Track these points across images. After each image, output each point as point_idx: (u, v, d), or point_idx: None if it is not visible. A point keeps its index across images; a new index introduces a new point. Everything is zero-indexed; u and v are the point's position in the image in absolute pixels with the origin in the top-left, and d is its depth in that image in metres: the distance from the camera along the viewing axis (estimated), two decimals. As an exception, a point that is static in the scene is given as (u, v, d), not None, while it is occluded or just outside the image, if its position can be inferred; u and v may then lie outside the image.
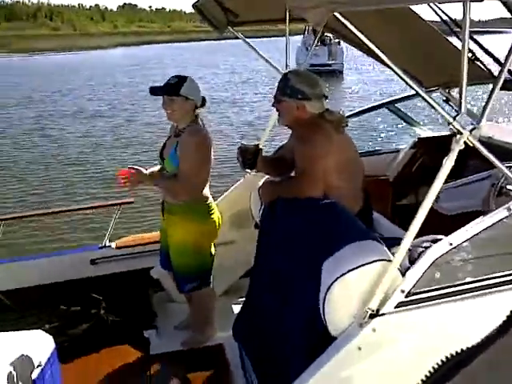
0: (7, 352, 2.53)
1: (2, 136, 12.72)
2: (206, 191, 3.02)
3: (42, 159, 10.59)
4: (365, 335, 1.81)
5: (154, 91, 2.89)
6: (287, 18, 3.19)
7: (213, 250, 3.14)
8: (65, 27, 61.87)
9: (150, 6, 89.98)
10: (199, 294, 3.13)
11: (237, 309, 3.01)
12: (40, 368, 2.54)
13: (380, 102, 4.99)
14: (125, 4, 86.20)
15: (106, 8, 79.22)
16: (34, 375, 2.49)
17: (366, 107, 4.93)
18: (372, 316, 1.81)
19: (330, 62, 26.42)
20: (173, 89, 2.85)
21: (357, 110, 4.78)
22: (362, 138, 11.85)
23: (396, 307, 1.83)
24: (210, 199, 3.05)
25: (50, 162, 10.38)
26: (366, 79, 24.76)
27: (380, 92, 20.14)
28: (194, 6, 3.23)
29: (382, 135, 12.56)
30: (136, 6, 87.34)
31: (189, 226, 2.98)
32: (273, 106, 2.63)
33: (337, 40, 26.54)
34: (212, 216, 3.04)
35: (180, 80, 2.87)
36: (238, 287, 3.47)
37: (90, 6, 77.38)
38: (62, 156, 10.83)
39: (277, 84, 2.61)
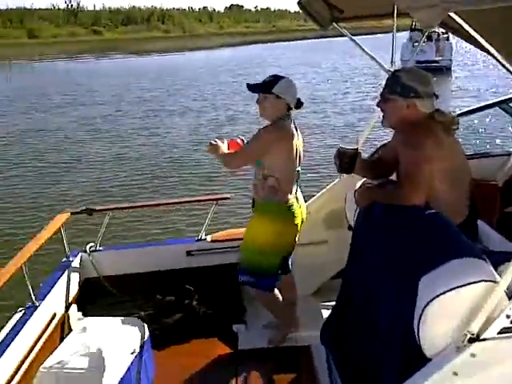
0: (106, 336, 2.69)
1: (112, 134, 13.52)
2: (287, 192, 2.96)
3: (149, 156, 11.15)
4: (462, 360, 1.67)
5: (250, 87, 2.96)
6: (395, 14, 3.07)
7: (282, 252, 3.07)
8: (175, 29, 64.80)
9: (256, 7, 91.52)
10: (258, 294, 3.13)
11: (326, 311, 2.95)
12: (135, 353, 2.66)
13: (492, 101, 4.66)
14: (232, 5, 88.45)
15: (214, 9, 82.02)
16: (130, 359, 2.62)
17: (477, 106, 4.64)
18: (471, 340, 1.67)
19: (438, 59, 25.18)
20: (266, 86, 2.90)
21: (466, 109, 4.49)
22: (470, 138, 11.15)
23: (499, 333, 1.67)
24: (291, 201, 2.98)
25: (156, 159, 10.90)
26: (476, 76, 23.29)
27: (493, 90, 18.83)
28: (298, 2, 3.20)
29: (493, 136, 11.73)
30: (242, 6, 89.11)
31: (259, 223, 3.00)
32: (377, 105, 2.49)
33: (445, 35, 25.26)
34: (287, 218, 2.97)
35: (275, 79, 2.92)
36: (329, 288, 3.40)
37: (199, 8, 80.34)
38: (167, 153, 11.33)
39: (384, 82, 2.47)
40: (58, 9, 64.76)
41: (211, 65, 30.91)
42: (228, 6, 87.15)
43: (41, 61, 36.25)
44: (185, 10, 77.52)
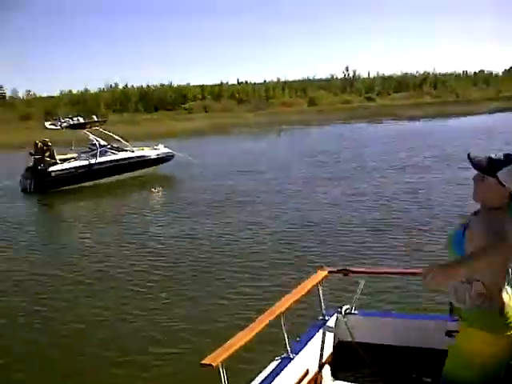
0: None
1: (374, 196, 13.61)
2: (496, 298, 2.37)
3: (413, 220, 10.90)
4: None
5: (472, 161, 2.42)
6: None
7: (492, 369, 2.41)
8: (447, 94, 63.32)
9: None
10: None
11: None
12: None
13: None
14: (511, 68, 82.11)
15: (491, 73, 77.39)
16: None
17: None
18: None
19: None
20: (490, 166, 2.35)
21: None
22: None
23: None
24: (504, 307, 2.37)
25: (418, 222, 10.57)
26: None
27: None
28: None
29: None
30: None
31: (466, 332, 2.48)
32: None
33: None
34: (497, 328, 2.35)
35: (506, 160, 2.34)
36: None
37: (475, 72, 76.92)
38: (432, 221, 10.80)
39: None
40: (336, 78, 70.49)
41: (480, 130, 28.74)
42: (507, 68, 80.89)
43: (318, 126, 39.69)
44: (459, 74, 75.26)
